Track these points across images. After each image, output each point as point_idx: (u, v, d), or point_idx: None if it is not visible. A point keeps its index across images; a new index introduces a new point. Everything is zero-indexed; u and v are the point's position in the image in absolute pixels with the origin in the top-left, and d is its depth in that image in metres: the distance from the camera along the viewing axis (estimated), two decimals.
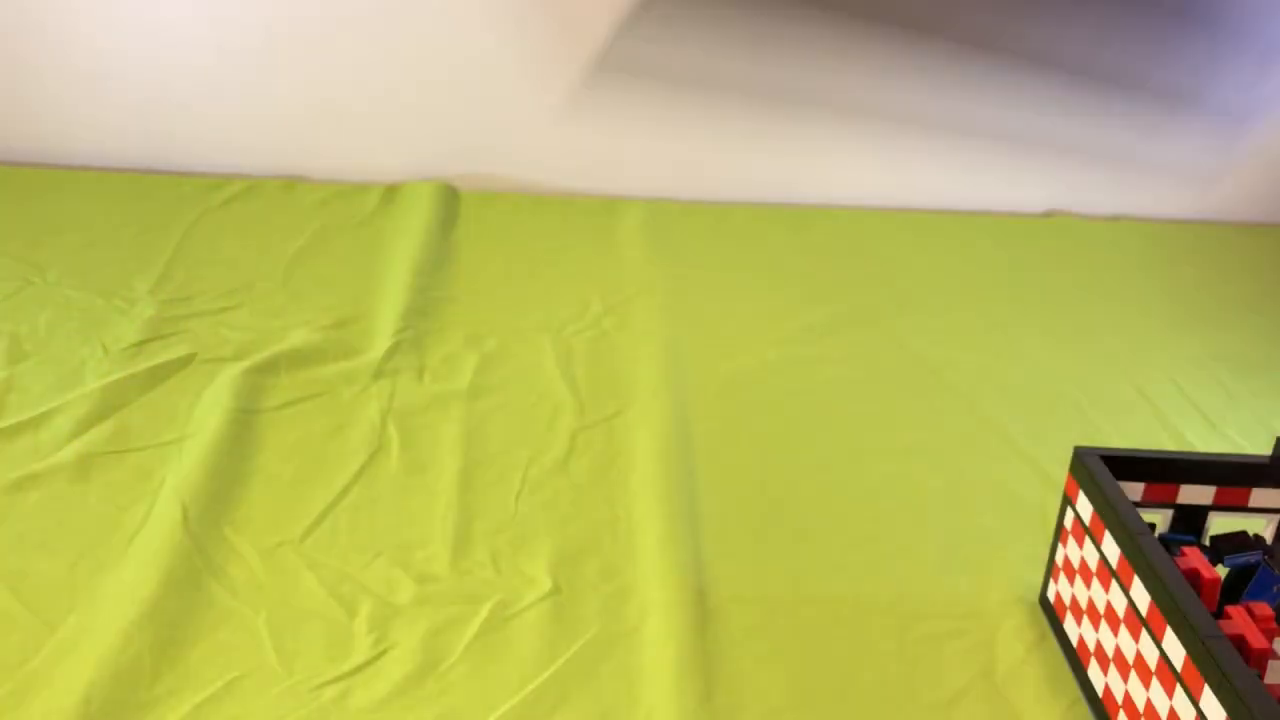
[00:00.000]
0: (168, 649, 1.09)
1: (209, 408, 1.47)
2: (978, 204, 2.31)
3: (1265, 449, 1.49)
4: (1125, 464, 1.11)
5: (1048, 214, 2.30)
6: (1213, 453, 1.45)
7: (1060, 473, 1.42)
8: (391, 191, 2.23)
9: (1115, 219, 2.28)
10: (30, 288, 1.80)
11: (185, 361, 1.60)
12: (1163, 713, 0.93)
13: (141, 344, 1.64)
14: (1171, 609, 0.93)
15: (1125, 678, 1.00)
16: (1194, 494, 1.15)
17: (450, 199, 2.22)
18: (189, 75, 2.27)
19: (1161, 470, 1.13)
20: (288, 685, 1.06)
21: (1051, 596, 1.18)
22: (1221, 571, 1.06)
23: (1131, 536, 1.00)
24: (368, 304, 1.76)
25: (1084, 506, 1.09)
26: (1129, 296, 1.94)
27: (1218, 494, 1.15)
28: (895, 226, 2.20)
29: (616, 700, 1.08)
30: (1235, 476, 1.15)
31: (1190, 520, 1.16)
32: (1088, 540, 1.09)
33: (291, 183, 2.27)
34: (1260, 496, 1.16)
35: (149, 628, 1.10)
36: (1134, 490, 1.13)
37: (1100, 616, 1.05)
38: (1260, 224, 2.30)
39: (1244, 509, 1.16)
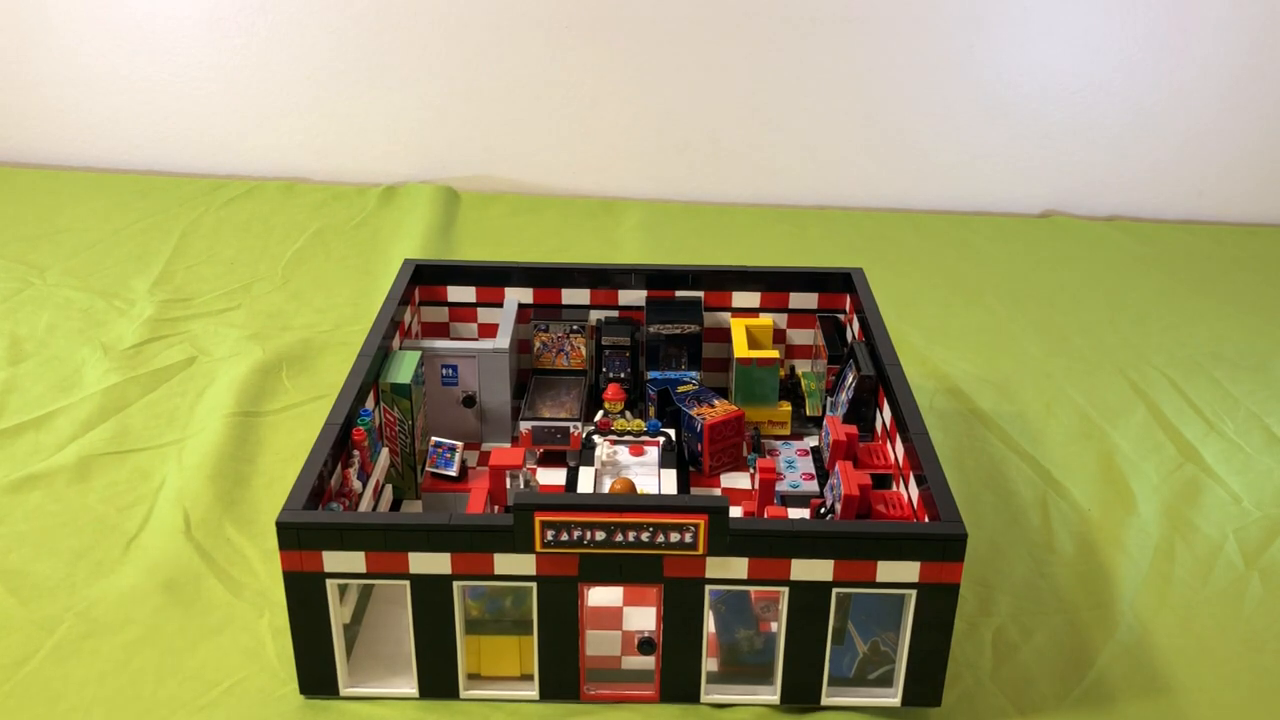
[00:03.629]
0: (169, 652, 1.09)
1: (209, 409, 1.47)
2: (977, 204, 2.31)
3: (1262, 448, 1.50)
4: None
5: (1045, 214, 2.31)
6: None
7: (1060, 472, 1.43)
8: (391, 192, 2.24)
9: (1112, 219, 2.29)
10: (30, 289, 1.80)
11: (186, 363, 1.60)
12: None
13: (142, 345, 1.64)
14: None
15: None
16: None
17: (450, 200, 2.22)
18: (189, 77, 2.27)
19: None
20: (291, 687, 1.06)
21: None
22: None
23: None
24: (367, 305, 1.76)
25: None
26: (1126, 296, 1.94)
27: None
28: (895, 226, 2.20)
29: None
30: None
31: None
32: None
33: (291, 184, 2.27)
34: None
35: (150, 628, 1.11)
36: None
37: None
38: (1257, 224, 2.30)
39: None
